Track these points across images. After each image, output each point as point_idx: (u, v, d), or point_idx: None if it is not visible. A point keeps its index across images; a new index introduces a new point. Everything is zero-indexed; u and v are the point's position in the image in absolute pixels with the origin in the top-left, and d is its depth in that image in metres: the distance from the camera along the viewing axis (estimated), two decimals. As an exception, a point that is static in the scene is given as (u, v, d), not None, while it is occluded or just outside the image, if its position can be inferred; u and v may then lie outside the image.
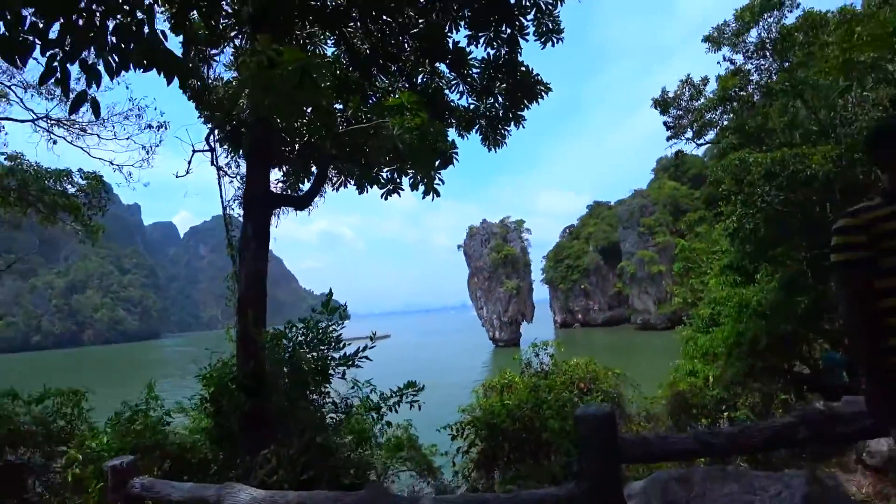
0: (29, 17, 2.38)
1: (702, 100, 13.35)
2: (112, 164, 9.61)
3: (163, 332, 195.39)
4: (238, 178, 7.79)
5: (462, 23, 7.59)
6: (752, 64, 12.32)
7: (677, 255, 25.65)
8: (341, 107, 6.87)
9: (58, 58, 2.47)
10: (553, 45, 7.38)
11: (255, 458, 4.59)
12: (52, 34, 2.46)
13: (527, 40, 7.37)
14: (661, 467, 4.30)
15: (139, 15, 2.69)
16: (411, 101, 5.38)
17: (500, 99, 8.00)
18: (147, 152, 9.89)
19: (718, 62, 12.98)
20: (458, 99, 8.23)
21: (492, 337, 72.58)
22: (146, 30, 2.68)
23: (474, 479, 5.68)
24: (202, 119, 7.41)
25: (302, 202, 6.24)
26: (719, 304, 13.26)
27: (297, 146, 7.56)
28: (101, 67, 2.62)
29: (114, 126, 9.58)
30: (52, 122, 9.47)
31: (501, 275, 73.51)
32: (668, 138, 14.71)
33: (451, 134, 8.47)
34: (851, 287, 2.01)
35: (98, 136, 9.44)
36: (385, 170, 6.66)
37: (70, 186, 9.51)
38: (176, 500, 3.37)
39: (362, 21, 7.54)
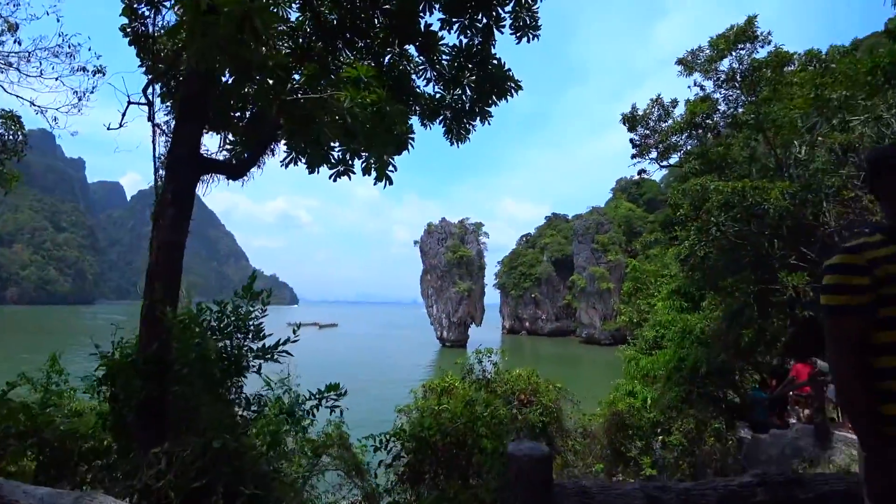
0: None
1: (669, 121, 13.45)
2: (33, 104, 8.50)
3: (98, 298, 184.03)
4: (176, 138, 7.07)
5: (437, 5, 7.18)
6: (720, 93, 12.49)
7: (627, 275, 26.11)
8: (298, 77, 6.35)
9: None
10: (528, 42, 7.07)
11: (145, 457, 4.00)
12: None
13: (502, 32, 7.03)
14: None
15: None
16: (370, 74, 4.91)
17: (468, 91, 7.63)
18: (79, 98, 8.85)
19: (689, 86, 13.13)
20: (425, 86, 7.81)
21: (439, 336, 72.50)
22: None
23: (397, 494, 5.25)
24: (143, 70, 6.70)
25: (236, 170, 5.61)
26: (664, 328, 13.42)
27: (247, 114, 6.94)
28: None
29: (40, 63, 8.52)
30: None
31: (455, 275, 73.53)
32: (633, 156, 14.79)
33: (415, 122, 8.06)
34: (847, 337, 1.69)
35: (18, 69, 8.36)
36: (336, 149, 6.19)
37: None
38: (23, 508, 2.77)
39: (331, -14, 6.99)
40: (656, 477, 10.16)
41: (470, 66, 7.36)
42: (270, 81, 4.61)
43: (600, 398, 12.16)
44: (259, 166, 6.20)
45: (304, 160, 7.33)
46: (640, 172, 15.67)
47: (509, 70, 7.20)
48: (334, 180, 6.40)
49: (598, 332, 73.89)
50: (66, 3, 9.09)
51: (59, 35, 8.32)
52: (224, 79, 5.78)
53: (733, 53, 11.88)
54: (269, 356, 4.34)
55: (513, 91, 7.42)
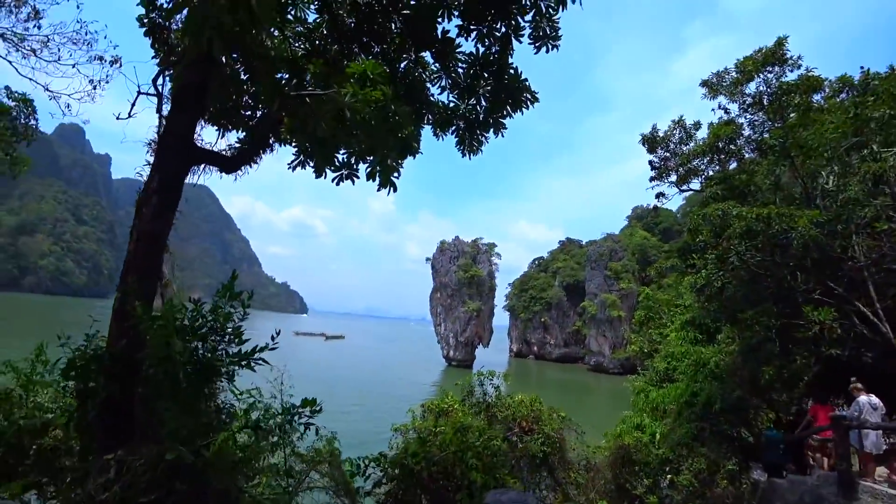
0: None
1: (691, 144, 13.05)
2: (47, 89, 8.43)
3: (111, 293, 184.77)
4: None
5: (455, 12, 6.99)
6: (745, 117, 12.08)
7: (640, 303, 25.44)
8: (308, 77, 6.17)
9: None
10: (547, 52, 6.83)
11: (97, 462, 3.66)
12: None
13: (521, 41, 6.80)
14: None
15: None
16: (376, 71, 4.65)
17: (482, 101, 7.40)
18: (94, 87, 8.79)
19: (713, 109, 12.75)
20: (439, 94, 7.60)
21: (446, 355, 71.67)
22: None
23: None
24: (157, 61, 6.58)
25: (229, 163, 5.35)
26: (676, 360, 12.85)
27: (248, 112, 6.76)
28: None
29: (59, 49, 8.48)
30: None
31: (465, 294, 72.95)
32: (652, 178, 14.38)
33: (427, 132, 7.82)
34: None
35: (34, 53, 8.31)
36: (341, 153, 5.96)
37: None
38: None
39: (350, -11, 6.86)
40: (663, 519, 9.58)
41: (486, 74, 7.16)
42: (276, 76, 4.38)
43: (606, 430, 11.64)
44: (256, 161, 5.95)
45: (311, 163, 7.15)
46: (658, 196, 15.26)
47: (526, 80, 6.95)
48: (337, 184, 6.18)
49: (607, 361, 72.51)
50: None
51: (78, 22, 8.27)
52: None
53: (761, 76, 11.56)
54: (244, 363, 3.99)
55: (528, 103, 7.17)
